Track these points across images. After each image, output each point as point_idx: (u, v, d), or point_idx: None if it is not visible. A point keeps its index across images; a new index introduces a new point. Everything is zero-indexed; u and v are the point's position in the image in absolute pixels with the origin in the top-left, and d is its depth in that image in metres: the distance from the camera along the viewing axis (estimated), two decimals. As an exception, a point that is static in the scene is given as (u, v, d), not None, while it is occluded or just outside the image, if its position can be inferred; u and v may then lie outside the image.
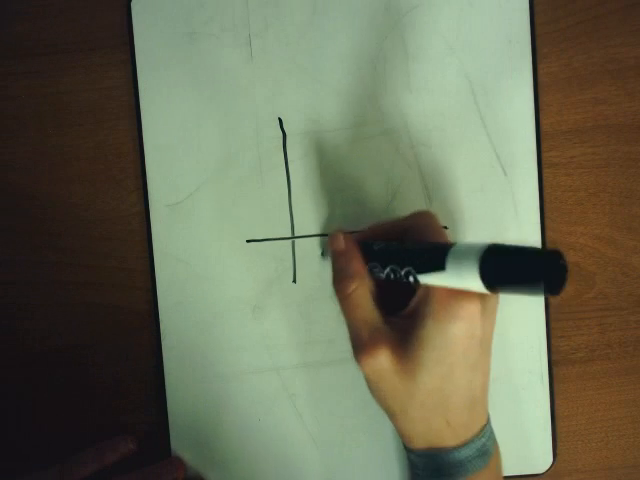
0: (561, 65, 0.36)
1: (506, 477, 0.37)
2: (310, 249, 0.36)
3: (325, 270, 0.37)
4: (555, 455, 0.37)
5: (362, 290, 0.30)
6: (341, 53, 0.36)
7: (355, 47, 0.36)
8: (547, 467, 0.37)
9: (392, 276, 0.30)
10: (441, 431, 0.30)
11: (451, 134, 0.36)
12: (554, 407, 0.37)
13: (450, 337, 0.28)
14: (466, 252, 0.25)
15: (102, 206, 0.37)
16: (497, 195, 0.36)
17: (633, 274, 0.37)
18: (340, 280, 0.31)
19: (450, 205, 0.36)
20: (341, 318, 0.36)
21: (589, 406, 0.37)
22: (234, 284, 0.37)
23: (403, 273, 0.29)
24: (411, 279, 0.28)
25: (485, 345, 0.29)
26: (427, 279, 0.28)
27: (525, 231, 0.36)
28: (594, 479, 0.38)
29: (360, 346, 0.29)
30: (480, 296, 0.27)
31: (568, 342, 0.37)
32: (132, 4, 0.36)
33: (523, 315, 0.36)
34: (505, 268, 0.24)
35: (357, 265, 0.31)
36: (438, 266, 0.26)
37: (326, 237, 0.36)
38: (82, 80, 0.37)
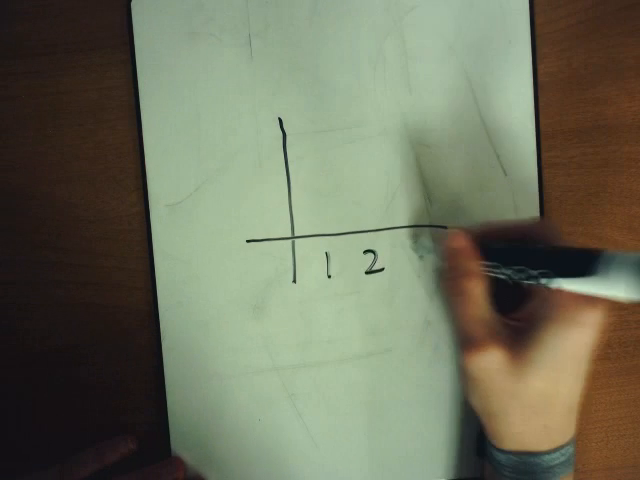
0: (561, 65, 0.36)
1: (506, 477, 0.37)
2: (310, 249, 0.36)
3: (324, 270, 0.37)
4: (555, 455, 0.37)
5: (479, 288, 0.30)
6: (341, 53, 0.36)
7: (355, 47, 0.36)
8: (547, 467, 0.37)
9: (515, 277, 0.29)
10: (538, 435, 0.30)
11: (451, 134, 0.36)
12: (554, 407, 0.37)
13: (569, 343, 0.28)
14: (620, 259, 0.25)
15: (102, 206, 0.37)
16: (497, 195, 0.36)
17: (633, 274, 0.37)
18: (456, 277, 0.31)
19: (450, 205, 0.36)
20: (341, 318, 0.36)
21: (589, 406, 0.37)
22: (234, 284, 0.37)
23: (536, 274, 0.28)
24: (543, 281, 0.28)
25: (589, 360, 0.30)
26: (567, 283, 0.27)
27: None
28: (594, 479, 0.38)
29: (470, 342, 0.29)
30: (603, 308, 0.28)
31: (568, 342, 0.37)
32: (132, 4, 0.36)
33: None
34: None
35: (476, 264, 0.31)
36: (586, 271, 0.26)
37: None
38: (82, 80, 0.37)
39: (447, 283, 0.32)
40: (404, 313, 0.36)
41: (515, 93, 0.36)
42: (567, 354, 0.28)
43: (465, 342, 0.30)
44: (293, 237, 0.37)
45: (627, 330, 0.37)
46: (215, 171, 0.36)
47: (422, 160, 0.36)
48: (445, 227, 0.36)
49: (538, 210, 0.36)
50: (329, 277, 0.37)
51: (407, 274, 0.36)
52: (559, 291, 0.28)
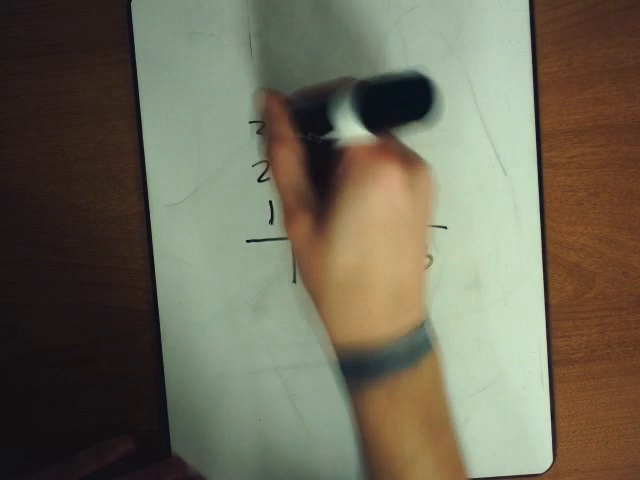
0: (561, 65, 0.36)
1: (506, 477, 0.37)
2: (310, 249, 0.36)
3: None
4: (555, 455, 0.37)
5: (291, 156, 0.28)
6: (341, 53, 0.36)
7: (355, 47, 0.36)
8: (547, 467, 0.37)
9: (313, 140, 0.29)
10: (362, 321, 0.27)
11: (451, 134, 0.36)
12: (554, 407, 0.37)
13: (366, 203, 0.26)
14: (341, 99, 0.25)
15: (102, 206, 0.37)
16: (497, 195, 0.36)
17: (633, 274, 0.37)
18: (271, 145, 0.29)
19: (450, 205, 0.36)
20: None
21: (589, 406, 0.37)
22: (234, 284, 0.37)
23: (308, 137, 0.28)
24: (328, 140, 0.28)
25: (415, 227, 0.27)
26: (330, 138, 0.27)
27: (525, 231, 0.36)
28: (594, 479, 0.38)
29: (287, 213, 0.28)
30: (404, 165, 0.26)
31: (568, 342, 0.37)
32: (132, 4, 0.36)
33: (523, 315, 0.36)
34: (376, 101, 0.24)
35: (286, 129, 0.29)
36: (327, 125, 0.26)
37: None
38: (82, 80, 0.37)
39: (264, 150, 0.30)
40: (404, 313, 0.36)
41: (515, 93, 0.36)
42: (369, 219, 0.26)
43: (283, 212, 0.28)
44: (293, 237, 0.36)
45: (627, 330, 0.37)
46: (215, 171, 0.36)
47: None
48: (445, 227, 0.36)
49: (538, 210, 0.36)
50: (329, 277, 0.37)
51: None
52: (355, 151, 0.26)
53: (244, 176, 0.36)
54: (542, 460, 0.37)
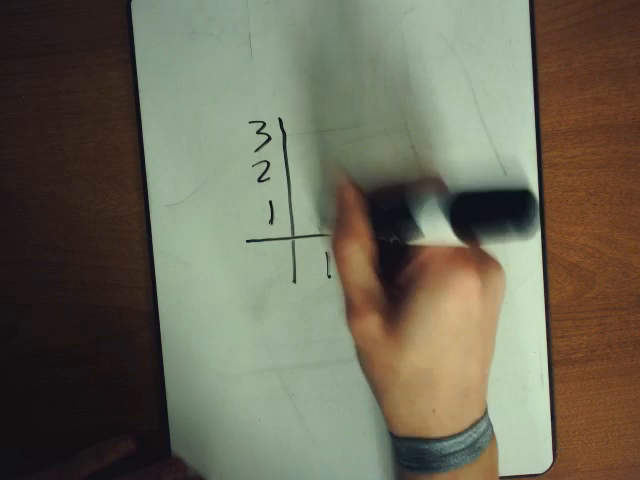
0: (561, 65, 0.36)
1: (506, 477, 0.37)
2: (310, 249, 0.36)
3: (324, 270, 0.37)
4: (555, 455, 0.37)
5: (362, 252, 0.28)
6: (341, 53, 0.36)
7: (355, 47, 0.36)
8: (547, 467, 0.37)
9: (389, 238, 0.28)
10: (426, 418, 0.28)
11: (451, 134, 0.36)
12: (554, 407, 0.37)
13: (442, 312, 0.26)
14: (432, 204, 0.24)
15: (102, 206, 0.37)
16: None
17: (633, 274, 0.37)
18: (340, 238, 0.28)
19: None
20: (341, 318, 0.36)
21: (589, 406, 0.37)
22: (234, 284, 0.37)
23: (389, 239, 0.28)
24: (404, 240, 0.27)
25: (485, 330, 0.27)
26: (410, 240, 0.26)
27: (525, 231, 0.36)
28: (594, 479, 0.38)
29: (351, 310, 0.28)
30: (481, 272, 0.26)
31: (568, 342, 0.37)
32: (132, 4, 0.36)
33: (523, 315, 0.36)
34: (472, 210, 0.23)
35: (361, 224, 0.28)
36: (414, 228, 0.25)
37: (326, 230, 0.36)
38: (82, 80, 0.37)
39: (332, 244, 0.29)
40: (404, 313, 0.36)
41: (515, 93, 0.36)
42: (442, 327, 0.26)
43: (347, 309, 0.28)
44: (293, 237, 0.37)
45: (627, 330, 0.37)
46: (215, 171, 0.36)
47: (422, 160, 0.36)
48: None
49: (538, 210, 0.36)
50: (329, 277, 0.37)
51: (407, 274, 0.36)
52: (431, 257, 0.26)
53: (244, 176, 0.36)
54: (542, 460, 0.37)
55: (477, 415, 0.29)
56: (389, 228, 0.28)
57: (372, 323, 0.27)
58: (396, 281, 0.29)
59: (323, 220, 0.36)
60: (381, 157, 0.36)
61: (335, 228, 0.29)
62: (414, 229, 0.26)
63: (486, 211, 0.23)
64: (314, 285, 0.37)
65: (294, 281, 0.37)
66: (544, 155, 0.36)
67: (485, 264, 0.27)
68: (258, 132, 0.36)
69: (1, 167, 0.37)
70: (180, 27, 0.36)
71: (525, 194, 0.22)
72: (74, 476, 0.34)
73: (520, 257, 0.36)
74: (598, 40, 0.36)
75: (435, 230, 0.25)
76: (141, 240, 0.37)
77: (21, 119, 0.37)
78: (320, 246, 0.36)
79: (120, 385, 0.38)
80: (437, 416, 0.28)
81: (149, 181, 0.36)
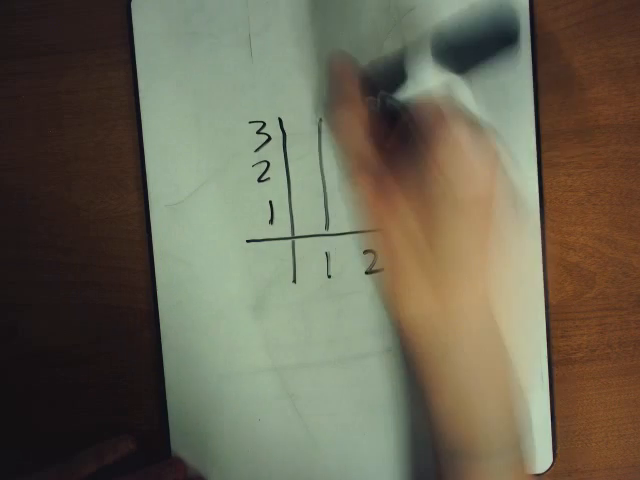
0: (561, 65, 0.36)
1: (506, 477, 0.37)
2: (310, 249, 0.36)
3: (324, 270, 0.37)
4: (555, 455, 0.37)
5: (354, 117, 0.29)
6: (341, 53, 0.36)
7: (355, 47, 0.36)
8: (547, 467, 0.37)
9: (381, 104, 0.29)
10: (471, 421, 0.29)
11: (451, 134, 0.36)
12: (554, 407, 0.37)
13: (431, 161, 0.26)
14: (421, 45, 0.25)
15: (102, 206, 0.37)
16: (497, 195, 0.36)
17: (633, 274, 0.37)
18: (335, 105, 0.29)
19: (450, 205, 0.36)
20: (341, 318, 0.36)
21: (589, 406, 0.37)
22: (234, 284, 0.37)
23: (379, 99, 0.28)
24: (390, 102, 0.28)
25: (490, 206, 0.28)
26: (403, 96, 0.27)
27: (525, 231, 0.36)
28: (594, 479, 0.38)
29: (350, 168, 0.29)
30: (470, 127, 0.26)
31: (568, 342, 0.37)
32: (132, 4, 0.36)
33: (523, 315, 0.36)
34: (460, 40, 0.24)
35: (352, 88, 0.29)
36: (402, 77, 0.26)
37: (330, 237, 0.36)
38: (82, 80, 0.37)
39: (328, 112, 0.30)
40: (404, 313, 0.36)
41: (515, 93, 0.36)
42: (429, 178, 0.27)
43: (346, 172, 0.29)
44: (293, 237, 0.37)
45: (627, 330, 0.37)
46: (215, 171, 0.36)
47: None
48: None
49: (538, 210, 0.36)
50: (329, 277, 0.37)
51: (407, 274, 0.36)
52: (419, 106, 0.26)
53: (244, 176, 0.36)
54: (542, 460, 0.37)
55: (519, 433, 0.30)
56: (383, 85, 0.29)
57: (365, 184, 0.28)
58: (386, 147, 0.29)
59: (323, 106, 0.35)
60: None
61: (329, 97, 0.30)
62: (400, 77, 0.27)
63: (470, 33, 0.24)
64: (314, 285, 0.37)
65: (294, 281, 0.37)
66: (544, 155, 0.36)
67: (476, 124, 0.27)
68: (258, 132, 0.36)
69: (1, 167, 0.37)
70: (180, 27, 0.36)
71: (509, 11, 0.23)
72: (74, 476, 0.34)
73: (520, 257, 0.36)
74: (598, 40, 0.36)
75: (427, 70, 0.25)
76: (141, 240, 0.37)
77: (21, 119, 0.37)
78: (320, 246, 0.36)
79: (120, 385, 0.38)
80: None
81: (149, 181, 0.36)
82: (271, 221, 0.37)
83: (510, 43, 0.23)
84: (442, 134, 0.26)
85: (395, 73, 0.27)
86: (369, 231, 0.36)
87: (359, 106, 0.29)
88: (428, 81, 0.26)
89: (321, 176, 0.36)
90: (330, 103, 0.30)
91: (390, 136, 0.29)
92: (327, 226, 0.36)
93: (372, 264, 0.36)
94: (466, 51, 0.24)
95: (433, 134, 0.26)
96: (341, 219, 0.36)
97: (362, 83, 0.30)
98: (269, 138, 0.36)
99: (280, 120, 0.36)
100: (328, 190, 0.36)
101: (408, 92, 0.27)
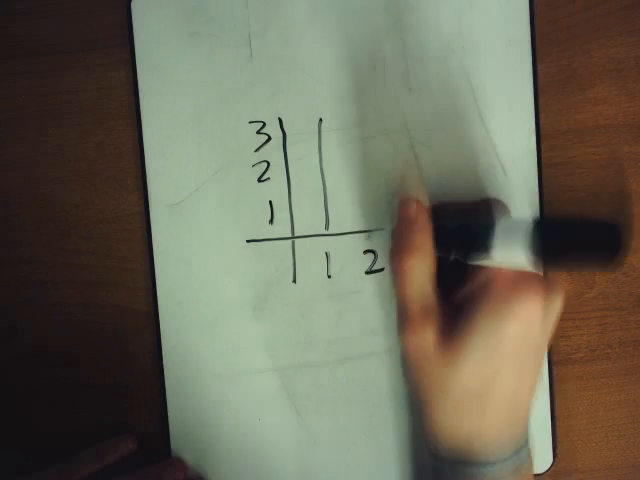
0: (561, 65, 0.36)
1: (506, 477, 0.37)
2: (310, 249, 0.36)
3: (324, 270, 0.37)
4: (555, 455, 0.37)
5: (422, 267, 0.28)
6: (341, 53, 0.36)
7: (355, 47, 0.36)
8: (547, 467, 0.37)
9: (455, 258, 0.28)
10: (472, 441, 0.27)
11: (451, 134, 0.36)
12: (554, 407, 0.37)
13: (502, 337, 0.25)
14: (516, 228, 0.24)
15: (102, 206, 0.37)
16: (497, 195, 0.36)
17: (633, 274, 0.37)
18: (401, 251, 0.28)
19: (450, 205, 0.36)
20: (341, 318, 0.36)
21: (589, 406, 0.37)
22: (234, 284, 0.37)
23: (453, 257, 0.27)
24: (470, 259, 0.27)
25: (538, 354, 0.27)
26: (477, 259, 0.26)
27: (525, 231, 0.36)
28: (594, 479, 0.38)
29: (406, 320, 0.27)
30: (544, 296, 0.26)
31: (568, 342, 0.37)
32: (132, 4, 0.36)
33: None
34: (556, 240, 0.23)
35: (424, 238, 0.28)
36: (487, 245, 0.25)
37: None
38: (82, 80, 0.37)
39: (392, 255, 0.28)
40: (404, 313, 0.36)
41: (515, 93, 0.36)
42: (501, 351, 0.26)
43: (401, 320, 0.28)
44: (293, 237, 0.36)
45: (627, 330, 0.37)
46: (215, 171, 0.36)
47: (422, 160, 0.36)
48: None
49: (538, 210, 0.36)
50: (329, 277, 0.37)
51: (407, 274, 0.36)
52: (495, 280, 0.26)
53: (244, 176, 0.36)
54: (542, 460, 0.37)
55: (521, 441, 0.28)
56: (452, 245, 0.28)
57: (426, 338, 0.27)
58: (452, 298, 0.28)
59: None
60: (381, 157, 0.36)
61: (396, 240, 0.29)
62: (483, 249, 0.26)
63: (572, 241, 0.23)
64: (314, 285, 0.37)
65: (294, 281, 0.37)
66: (544, 155, 0.36)
67: (547, 288, 0.27)
68: (258, 132, 0.36)
69: (1, 167, 0.37)
70: (180, 27, 0.36)
71: (615, 228, 0.22)
72: (74, 476, 0.34)
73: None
74: (598, 40, 0.36)
75: (508, 253, 0.24)
76: (141, 240, 0.37)
77: (21, 119, 0.37)
78: (320, 246, 0.36)
79: (120, 385, 0.38)
80: (484, 440, 0.27)
81: (149, 181, 0.36)
82: (271, 221, 0.37)
83: (607, 258, 0.22)
84: (516, 311, 0.25)
85: (478, 243, 0.26)
86: (369, 231, 0.36)
87: (429, 258, 0.28)
88: (510, 258, 0.25)
89: (321, 176, 0.36)
90: (398, 248, 0.28)
91: (452, 295, 0.28)
92: (327, 226, 0.36)
93: (372, 264, 0.36)
94: (562, 249, 0.23)
95: (506, 308, 0.25)
96: (341, 219, 0.36)
97: (436, 238, 0.28)
98: (269, 138, 0.36)
99: (280, 120, 0.36)
100: (328, 190, 0.36)
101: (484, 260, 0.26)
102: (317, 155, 0.36)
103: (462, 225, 0.28)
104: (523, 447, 0.28)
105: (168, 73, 0.36)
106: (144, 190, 0.36)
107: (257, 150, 0.36)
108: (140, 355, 0.38)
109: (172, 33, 0.36)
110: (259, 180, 0.36)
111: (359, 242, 0.36)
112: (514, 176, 0.36)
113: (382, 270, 0.36)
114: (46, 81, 0.37)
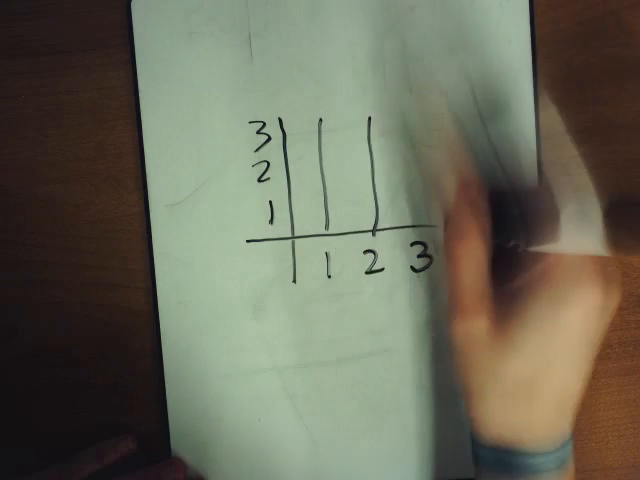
0: (561, 65, 0.36)
1: (506, 477, 0.37)
2: (310, 249, 0.36)
3: (324, 270, 0.37)
4: (555, 455, 0.37)
5: (478, 254, 0.27)
6: (341, 53, 0.36)
7: (355, 47, 0.36)
8: (547, 467, 0.37)
9: (509, 243, 0.27)
10: (519, 430, 0.27)
11: (451, 134, 0.36)
12: (554, 407, 0.37)
13: (559, 326, 0.25)
14: (585, 213, 0.23)
15: (102, 206, 0.37)
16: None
17: (633, 274, 0.37)
18: (456, 237, 0.27)
19: (450, 205, 0.36)
20: (341, 318, 0.36)
21: (589, 406, 0.37)
22: (234, 284, 0.37)
23: (510, 244, 0.26)
24: (529, 247, 0.26)
25: (592, 347, 0.27)
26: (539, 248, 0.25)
27: (525, 231, 0.36)
28: (594, 479, 0.38)
29: (459, 306, 0.27)
30: (603, 288, 0.25)
31: (568, 342, 0.37)
32: (132, 4, 0.36)
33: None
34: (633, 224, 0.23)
35: (483, 224, 0.27)
36: (551, 236, 0.24)
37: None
38: (82, 80, 0.37)
39: (447, 241, 0.27)
40: (404, 313, 0.36)
41: (515, 93, 0.36)
42: (555, 338, 0.25)
43: (453, 307, 0.27)
44: (293, 237, 0.37)
45: (627, 330, 0.37)
46: (215, 171, 0.36)
47: (422, 160, 0.36)
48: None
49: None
50: (329, 277, 0.37)
51: (407, 274, 0.36)
52: (557, 263, 0.25)
53: (244, 176, 0.36)
54: (542, 460, 0.37)
55: (567, 435, 0.28)
56: (516, 232, 0.27)
57: (479, 325, 0.26)
58: (507, 285, 0.28)
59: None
60: (381, 157, 0.36)
61: (451, 225, 0.28)
62: (551, 236, 0.25)
63: None
64: (314, 285, 0.37)
65: (294, 281, 0.37)
66: (544, 155, 0.36)
67: (608, 279, 0.26)
68: (258, 132, 0.36)
69: (1, 167, 0.37)
70: (180, 27, 0.36)
71: None
72: (74, 476, 0.34)
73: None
74: (598, 40, 0.36)
75: (576, 239, 0.24)
76: (141, 240, 0.37)
77: (21, 119, 0.37)
78: (320, 246, 0.36)
79: (120, 385, 0.38)
80: (532, 429, 0.27)
81: (149, 181, 0.36)
82: (271, 221, 0.37)
83: None
84: (576, 300, 0.25)
85: (544, 230, 0.25)
86: (369, 231, 0.36)
87: (486, 244, 0.27)
88: (578, 245, 0.24)
89: (321, 176, 0.36)
90: (455, 233, 0.27)
91: (507, 281, 0.27)
92: (327, 226, 0.36)
93: (372, 264, 0.36)
94: (635, 232, 0.23)
95: (566, 297, 0.25)
96: (341, 219, 0.36)
97: (496, 224, 0.27)
98: (269, 138, 0.36)
99: (280, 120, 0.36)
100: (328, 190, 0.36)
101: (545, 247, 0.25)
102: (317, 155, 0.36)
103: (526, 211, 0.27)
104: (568, 441, 0.28)
105: (168, 73, 0.36)
106: (144, 190, 0.36)
107: (257, 150, 0.36)
108: (140, 355, 0.38)
109: (172, 33, 0.36)
110: (259, 180, 0.36)
111: (359, 242, 0.36)
112: (514, 176, 0.36)
113: (382, 270, 0.36)
114: (46, 81, 0.37)
